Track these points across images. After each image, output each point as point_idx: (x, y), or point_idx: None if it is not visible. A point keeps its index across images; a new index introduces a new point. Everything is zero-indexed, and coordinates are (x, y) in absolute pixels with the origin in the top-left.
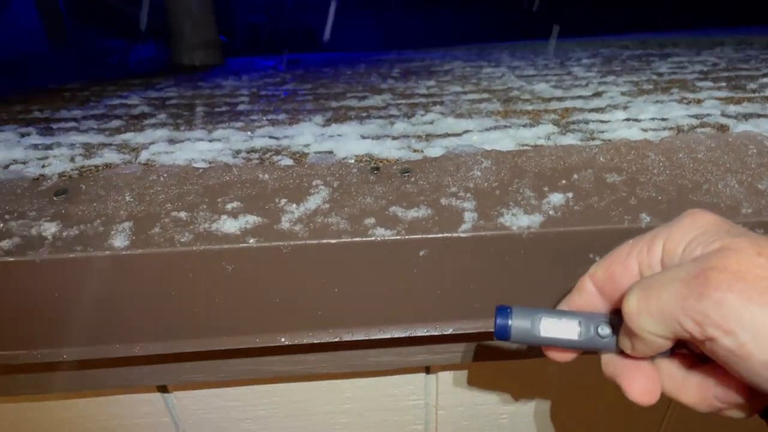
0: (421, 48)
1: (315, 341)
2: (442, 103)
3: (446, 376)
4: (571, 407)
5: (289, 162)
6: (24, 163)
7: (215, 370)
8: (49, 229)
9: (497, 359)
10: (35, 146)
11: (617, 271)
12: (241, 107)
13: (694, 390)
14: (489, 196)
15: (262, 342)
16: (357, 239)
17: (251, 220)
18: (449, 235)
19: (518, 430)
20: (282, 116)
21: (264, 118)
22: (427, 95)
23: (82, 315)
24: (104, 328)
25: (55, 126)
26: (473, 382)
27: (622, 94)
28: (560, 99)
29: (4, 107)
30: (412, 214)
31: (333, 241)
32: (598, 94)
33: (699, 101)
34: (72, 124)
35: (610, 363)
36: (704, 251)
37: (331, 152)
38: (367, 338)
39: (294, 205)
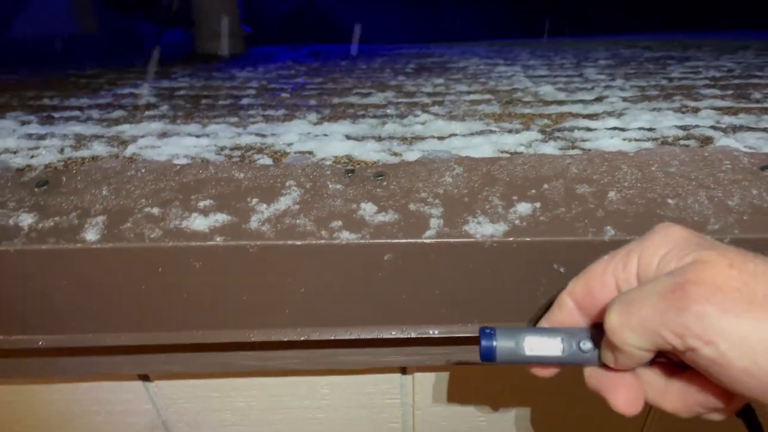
0: (454, 42)
1: (284, 339)
2: (442, 103)
3: (422, 377)
4: (551, 411)
5: (267, 161)
6: (15, 152)
7: (190, 362)
8: (26, 220)
9: (472, 363)
10: (30, 136)
11: (595, 286)
12: (244, 101)
13: (676, 397)
14: (457, 203)
15: (232, 338)
16: (322, 242)
17: (221, 218)
18: (413, 240)
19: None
20: (280, 112)
21: (261, 114)
22: (432, 94)
23: (54, 304)
24: (76, 317)
25: (57, 115)
26: (450, 384)
27: (624, 99)
28: (561, 102)
29: (18, 92)
30: (379, 218)
31: (298, 242)
32: (599, 99)
33: (696, 110)
34: (75, 113)
35: (593, 376)
36: (678, 265)
37: (311, 153)
38: (334, 338)
39: (264, 205)
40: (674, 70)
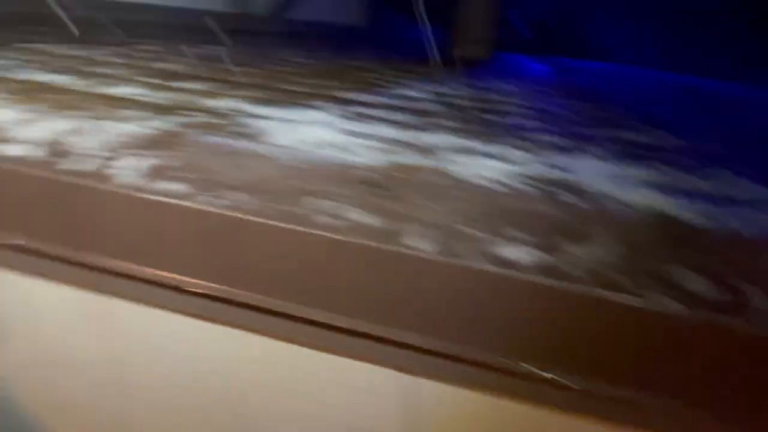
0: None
1: None
2: None
3: None
4: None
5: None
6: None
7: None
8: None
9: None
10: (346, 131)
11: None
12: (510, 120)
13: None
14: None
15: None
16: None
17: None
18: None
19: None
20: (567, 142)
21: (543, 139)
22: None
23: None
24: None
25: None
26: None
27: None
28: None
29: (319, 82)
30: None
31: None
32: None
33: None
34: (374, 111)
35: None
36: None
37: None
38: None
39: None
40: None
